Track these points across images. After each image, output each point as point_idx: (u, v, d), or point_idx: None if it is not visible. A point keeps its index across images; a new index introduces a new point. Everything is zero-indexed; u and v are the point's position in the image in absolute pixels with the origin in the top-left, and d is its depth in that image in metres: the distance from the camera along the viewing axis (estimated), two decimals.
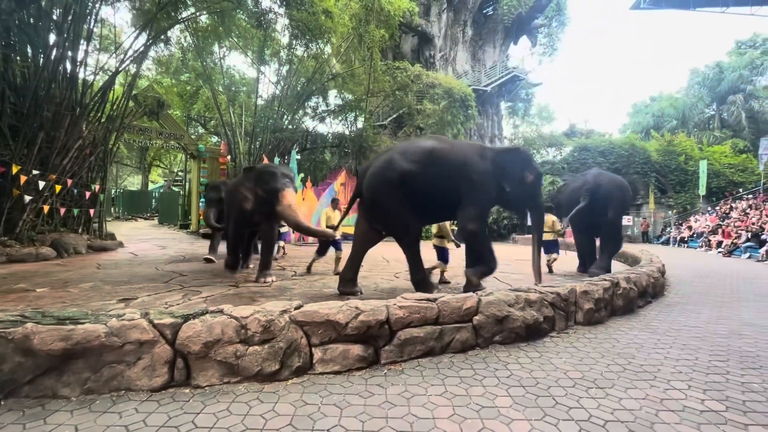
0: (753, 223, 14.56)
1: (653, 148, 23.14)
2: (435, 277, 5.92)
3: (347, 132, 19.48)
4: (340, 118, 20.03)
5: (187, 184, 21.79)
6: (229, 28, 13.31)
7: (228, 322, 2.53)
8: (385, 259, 8.43)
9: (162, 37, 11.88)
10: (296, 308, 2.80)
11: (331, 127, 21.00)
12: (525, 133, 38.21)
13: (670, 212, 22.06)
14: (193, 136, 20.77)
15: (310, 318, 2.72)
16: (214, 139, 26.08)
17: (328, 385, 2.48)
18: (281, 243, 8.43)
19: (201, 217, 7.70)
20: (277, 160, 12.95)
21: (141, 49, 10.58)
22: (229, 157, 16.58)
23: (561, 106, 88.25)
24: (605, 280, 4.51)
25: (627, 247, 10.20)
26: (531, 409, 2.22)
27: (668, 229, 20.79)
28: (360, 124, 18.55)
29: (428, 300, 3.17)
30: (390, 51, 22.97)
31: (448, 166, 4.55)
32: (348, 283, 4.82)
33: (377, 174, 4.61)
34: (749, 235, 13.04)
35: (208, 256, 7.43)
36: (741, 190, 20.81)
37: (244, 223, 6.03)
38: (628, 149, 22.63)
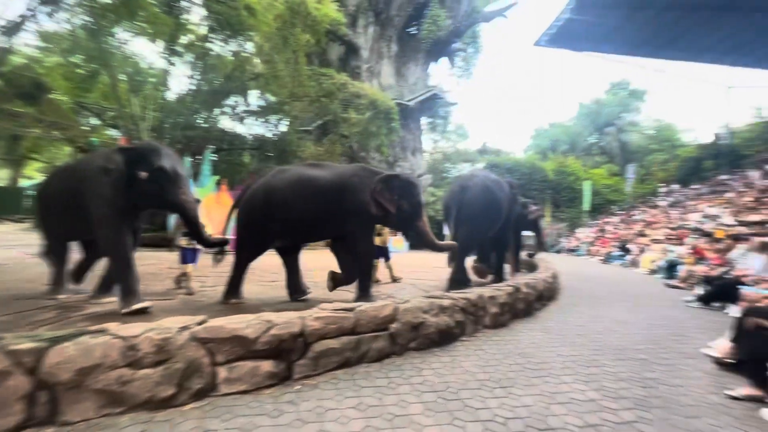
0: (622, 236, 17.34)
1: (550, 168, 26.42)
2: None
3: (269, 135, 18.66)
4: (262, 119, 19.12)
5: None
6: (134, 11, 11.87)
7: (112, 342, 2.18)
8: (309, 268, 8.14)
9: (46, 10, 10.14)
10: (199, 324, 2.53)
11: (252, 128, 19.97)
12: (443, 149, 40.65)
13: (562, 225, 25.28)
14: (85, 127, 18.04)
15: (214, 334, 2.48)
16: (112, 132, 22.97)
17: (234, 407, 2.28)
18: (189, 267, 5.40)
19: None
20: (188, 159, 11.82)
21: (18, 21, 8.92)
22: None
23: (475, 126, 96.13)
24: (509, 285, 4.92)
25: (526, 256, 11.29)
26: (441, 414, 2.29)
27: (561, 239, 23.73)
28: (283, 128, 17.91)
29: (346, 310, 3.12)
30: (316, 57, 22.67)
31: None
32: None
33: (485, 195, 5.92)
34: (619, 246, 15.53)
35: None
36: (614, 207, 24.74)
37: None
38: (529, 168, 25.56)
